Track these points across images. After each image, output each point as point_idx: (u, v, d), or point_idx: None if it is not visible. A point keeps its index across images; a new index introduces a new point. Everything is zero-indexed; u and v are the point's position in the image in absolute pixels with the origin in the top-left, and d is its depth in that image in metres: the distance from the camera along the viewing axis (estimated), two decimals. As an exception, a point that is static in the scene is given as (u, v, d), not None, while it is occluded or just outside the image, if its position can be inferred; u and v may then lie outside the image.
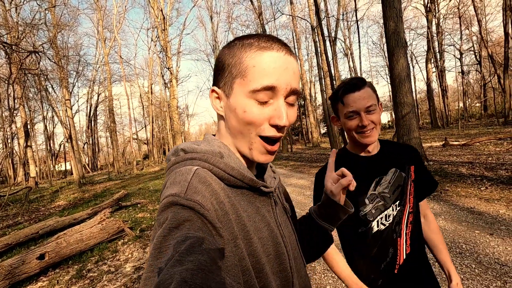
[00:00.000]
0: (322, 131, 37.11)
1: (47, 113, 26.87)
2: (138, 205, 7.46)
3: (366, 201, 1.03)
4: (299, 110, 36.50)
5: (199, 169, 0.49)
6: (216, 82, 0.56)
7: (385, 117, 46.99)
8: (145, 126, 35.26)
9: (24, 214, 7.71)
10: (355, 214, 1.03)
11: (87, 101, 32.54)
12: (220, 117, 0.58)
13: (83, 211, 6.36)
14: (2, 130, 23.08)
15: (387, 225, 1.02)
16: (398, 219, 1.02)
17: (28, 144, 21.53)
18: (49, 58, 11.55)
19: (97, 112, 34.68)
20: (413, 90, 30.19)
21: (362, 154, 1.08)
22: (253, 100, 0.50)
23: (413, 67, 28.74)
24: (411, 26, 28.11)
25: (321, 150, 17.93)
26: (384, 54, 32.20)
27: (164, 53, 20.35)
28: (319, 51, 17.11)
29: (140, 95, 31.51)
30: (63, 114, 18.61)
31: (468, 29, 23.12)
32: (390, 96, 27.20)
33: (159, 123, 33.83)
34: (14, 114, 21.35)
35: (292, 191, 6.71)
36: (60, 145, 31.94)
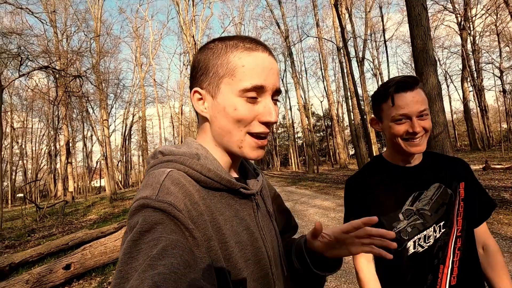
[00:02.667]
0: (351, 152, 36.04)
1: (87, 132, 28.98)
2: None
3: (400, 216, 0.91)
4: (326, 130, 35.94)
5: (173, 171, 0.49)
6: (197, 83, 0.55)
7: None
8: (175, 145, 36.43)
9: (59, 226, 8.15)
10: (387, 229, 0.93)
11: (123, 121, 34.67)
12: (203, 119, 0.57)
13: (111, 225, 6.59)
14: (48, 147, 25.12)
15: (426, 247, 0.88)
16: (442, 243, 0.87)
17: (69, 160, 23.16)
18: (91, 82, 12.62)
19: (132, 132, 36.75)
20: (449, 109, 28.71)
21: (401, 164, 0.95)
22: (243, 98, 0.51)
23: (447, 86, 27.48)
24: (444, 44, 27.17)
25: (349, 171, 17.34)
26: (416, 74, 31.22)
27: (194, 76, 21.32)
28: (345, 72, 17.04)
29: (171, 116, 33.04)
30: (100, 134, 19.88)
31: (509, 47, 21.86)
32: (423, 116, 25.85)
33: (188, 142, 34.83)
34: (59, 133, 23.27)
35: (316, 212, 6.49)
36: (96, 163, 33.97)
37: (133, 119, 35.02)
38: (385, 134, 0.96)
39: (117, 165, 37.71)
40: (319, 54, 26.69)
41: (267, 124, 0.53)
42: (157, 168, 0.51)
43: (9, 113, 25.39)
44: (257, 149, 0.54)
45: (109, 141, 19.08)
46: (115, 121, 36.01)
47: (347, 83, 16.89)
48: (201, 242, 0.43)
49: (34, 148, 31.16)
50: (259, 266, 0.52)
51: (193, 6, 20.73)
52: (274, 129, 40.74)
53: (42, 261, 4.75)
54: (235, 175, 0.60)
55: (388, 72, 20.40)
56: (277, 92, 0.54)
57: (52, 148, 25.14)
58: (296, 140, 37.19)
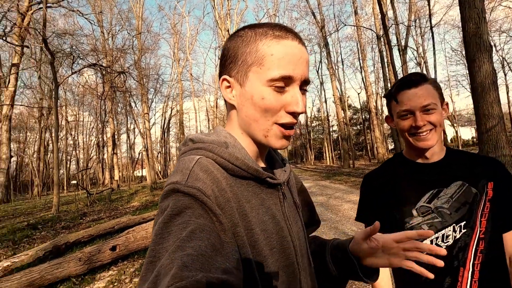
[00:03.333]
0: (390, 147, 34.24)
1: (130, 125, 30.93)
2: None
3: (414, 212, 0.90)
4: (363, 124, 34.46)
5: (202, 158, 0.50)
6: (226, 71, 0.55)
7: (469, 133, 41.13)
8: (210, 138, 37.57)
9: (106, 211, 8.88)
10: (400, 225, 0.92)
11: (162, 115, 36.43)
12: (231, 107, 0.58)
13: (151, 212, 7.02)
14: (96, 138, 27.31)
15: (445, 247, 0.85)
16: (462, 244, 0.84)
17: (114, 151, 24.97)
18: (133, 78, 13.41)
19: (170, 125, 38.50)
20: (505, 100, 25.82)
21: (419, 160, 0.94)
22: (270, 87, 0.51)
23: (504, 74, 24.73)
24: (501, 28, 24.33)
25: (388, 166, 16.49)
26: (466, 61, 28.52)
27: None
28: (385, 61, 16.09)
29: (207, 109, 33.96)
30: (142, 126, 21.06)
31: None
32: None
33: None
34: (105, 126, 25.16)
35: (350, 208, 6.31)
36: (138, 154, 36.25)
37: (171, 113, 36.63)
38: (398, 131, 0.96)
39: (157, 156, 39.88)
40: (357, 44, 25.48)
41: (294, 114, 0.53)
42: (187, 155, 0.52)
43: (64, 107, 27.95)
44: (282, 139, 0.54)
45: (150, 133, 20.19)
46: (155, 114, 37.97)
47: (387, 74, 15.97)
48: (228, 228, 0.44)
49: (85, 140, 34.09)
50: (284, 255, 0.52)
51: (227, 0, 20.91)
52: (308, 123, 40.01)
53: (92, 242, 5.23)
54: (262, 164, 0.60)
55: (434, 60, 18.81)
56: (305, 82, 0.54)
57: (100, 139, 27.29)
58: (331, 133, 36.17)
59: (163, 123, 36.97)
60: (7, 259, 4.31)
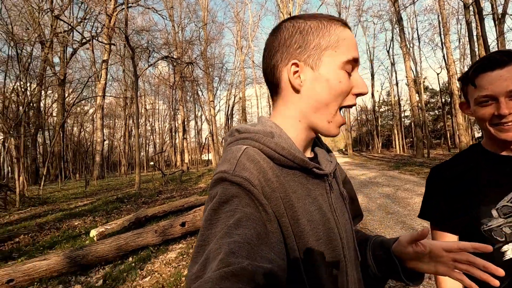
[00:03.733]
0: (477, 135, 29.56)
1: (197, 112, 33.25)
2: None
3: (494, 212, 0.78)
4: (442, 108, 30.36)
5: (249, 148, 0.51)
6: (293, 56, 0.54)
7: None
8: (271, 124, 38.01)
9: (177, 190, 9.86)
10: (474, 227, 0.81)
11: (226, 102, 38.09)
12: (290, 93, 0.55)
13: (215, 193, 7.55)
14: (169, 124, 30.20)
15: None
16: None
17: (185, 136, 27.24)
18: (200, 68, 14.27)
19: (233, 112, 40.04)
20: None
21: (504, 153, 0.82)
22: (343, 71, 0.53)
23: None
24: None
25: (472, 157, 14.35)
26: None
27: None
28: (474, 35, 13.70)
29: (268, 95, 34.16)
30: (208, 113, 22.38)
31: None
32: None
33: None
34: (176, 113, 27.56)
35: (421, 201, 5.73)
36: (205, 139, 38.91)
37: (234, 100, 38.02)
38: (476, 120, 0.82)
39: (221, 141, 42.18)
40: (438, 16, 22.23)
41: (359, 96, 0.56)
42: (234, 145, 0.54)
43: (142, 97, 31.50)
44: (339, 127, 0.56)
45: (215, 120, 21.40)
46: (219, 101, 39.89)
47: (476, 49, 13.63)
48: (273, 217, 0.45)
49: (160, 126, 38.02)
50: (330, 246, 0.51)
51: (290, -19, 20.26)
52: (376, 108, 37.05)
53: (165, 217, 5.90)
54: (308, 154, 0.60)
55: (545, 29, 15.24)
56: (357, 62, 0.57)
57: (172, 125, 30.11)
58: (403, 119, 32.89)
59: (227, 110, 38.69)
60: (102, 226, 5.19)
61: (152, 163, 28.55)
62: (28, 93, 13.16)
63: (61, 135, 20.92)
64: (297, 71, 0.54)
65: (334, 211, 0.55)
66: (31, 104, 19.63)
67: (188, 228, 4.62)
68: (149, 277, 3.35)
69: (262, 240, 0.40)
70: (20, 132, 10.17)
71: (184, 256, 3.89)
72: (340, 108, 0.55)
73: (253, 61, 27.89)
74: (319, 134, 0.60)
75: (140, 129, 26.05)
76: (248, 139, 0.53)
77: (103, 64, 17.66)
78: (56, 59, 21.61)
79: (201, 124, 36.49)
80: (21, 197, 8.86)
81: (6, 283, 3.23)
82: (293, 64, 0.54)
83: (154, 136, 38.97)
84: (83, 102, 26.56)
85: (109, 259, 3.84)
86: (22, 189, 9.99)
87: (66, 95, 21.57)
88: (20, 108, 11.41)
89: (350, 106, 0.56)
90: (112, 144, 37.45)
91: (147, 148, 37.84)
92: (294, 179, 0.52)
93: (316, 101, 0.54)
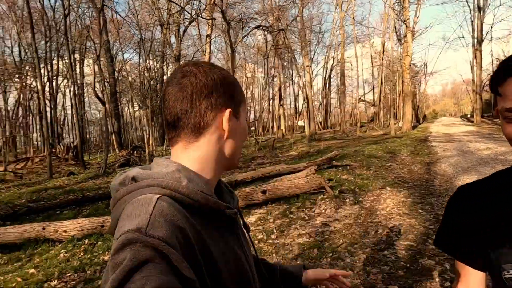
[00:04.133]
0: None
1: (294, 78, 32.98)
2: (348, 167, 7.87)
3: None
4: None
5: (161, 198, 0.46)
6: (228, 103, 0.57)
7: None
8: (373, 88, 34.38)
9: (268, 158, 10.48)
10: (494, 267, 0.66)
11: (323, 66, 36.20)
12: (219, 138, 0.57)
13: (301, 163, 7.67)
14: (267, 92, 31.35)
15: None
16: None
17: (281, 103, 27.81)
18: (293, 34, 13.87)
19: (332, 75, 37.88)
20: None
21: None
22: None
23: None
24: None
25: None
26: None
27: (400, 3, 18.05)
28: None
29: (371, 55, 30.55)
30: (304, 79, 21.90)
31: None
32: None
33: (389, 84, 31.73)
34: (273, 80, 28.12)
35: None
36: (302, 105, 38.69)
37: (333, 63, 35.69)
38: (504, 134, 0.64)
39: (318, 107, 41.09)
40: None
41: None
42: (137, 195, 0.48)
43: (243, 65, 33.32)
44: None
45: (311, 85, 20.86)
46: (317, 66, 38.25)
47: None
48: (194, 279, 0.41)
49: (259, 93, 39.76)
50: (243, 281, 0.55)
51: None
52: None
53: (253, 183, 6.47)
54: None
55: None
56: None
57: (269, 92, 31.03)
58: None
59: (324, 74, 36.89)
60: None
61: (253, 128, 30.67)
62: (154, 70, 15.89)
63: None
64: (228, 118, 0.57)
65: (244, 247, 0.60)
66: (157, 79, 23.83)
67: (269, 196, 4.99)
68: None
69: None
70: (147, 104, 12.63)
71: (262, 221, 4.28)
72: None
73: (353, 18, 24.99)
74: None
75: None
76: (154, 186, 0.48)
77: (207, 38, 19.33)
78: (172, 39, 24.97)
79: (298, 90, 36.21)
80: (150, 156, 11.27)
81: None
82: (229, 111, 0.57)
83: (254, 103, 41.26)
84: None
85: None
86: (151, 149, 12.61)
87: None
88: (146, 83, 14.01)
89: None
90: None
91: (248, 115, 40.49)
92: (208, 224, 0.51)
93: (236, 147, 0.61)
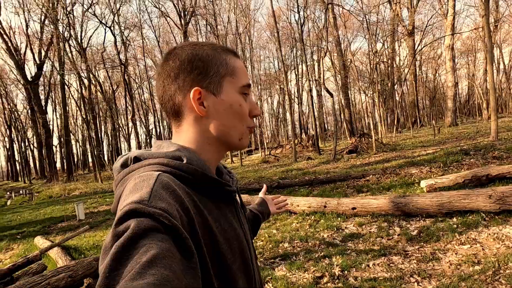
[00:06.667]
0: None
1: None
2: None
3: None
4: None
5: (162, 174, 0.48)
6: (195, 82, 0.56)
7: None
8: None
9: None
10: None
11: None
12: (197, 118, 0.57)
13: None
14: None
15: None
16: None
17: None
18: None
19: None
20: None
21: None
22: (242, 95, 0.59)
23: None
24: None
25: None
26: None
27: None
28: None
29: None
30: None
31: None
32: None
33: None
34: None
35: None
36: None
37: None
38: None
39: None
40: None
41: (255, 117, 0.64)
42: (140, 172, 0.50)
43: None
44: (248, 137, 0.63)
45: None
46: None
47: None
48: (193, 250, 0.41)
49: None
50: (243, 259, 0.56)
51: None
52: None
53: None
54: (214, 173, 0.62)
55: None
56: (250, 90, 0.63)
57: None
58: None
59: None
60: (433, 178, 5.15)
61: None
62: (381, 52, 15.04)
63: (414, 84, 21.84)
64: (199, 98, 0.56)
65: (242, 224, 0.61)
66: (387, 61, 22.41)
67: (548, 202, 3.27)
68: (468, 245, 2.97)
69: (179, 279, 0.35)
70: (374, 89, 12.24)
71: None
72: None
73: None
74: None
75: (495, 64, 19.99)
76: (156, 164, 0.51)
77: (449, -4, 15.58)
78: (404, 13, 22.36)
79: None
80: (378, 144, 10.89)
81: (351, 209, 4.45)
82: (196, 91, 0.55)
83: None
84: (429, 46, 25.39)
85: (430, 213, 3.85)
86: (380, 136, 12.16)
87: (417, 44, 21.74)
88: (372, 67, 13.52)
89: (251, 128, 0.61)
90: (472, 86, 32.65)
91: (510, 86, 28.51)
92: (208, 201, 0.54)
93: (224, 125, 0.57)
